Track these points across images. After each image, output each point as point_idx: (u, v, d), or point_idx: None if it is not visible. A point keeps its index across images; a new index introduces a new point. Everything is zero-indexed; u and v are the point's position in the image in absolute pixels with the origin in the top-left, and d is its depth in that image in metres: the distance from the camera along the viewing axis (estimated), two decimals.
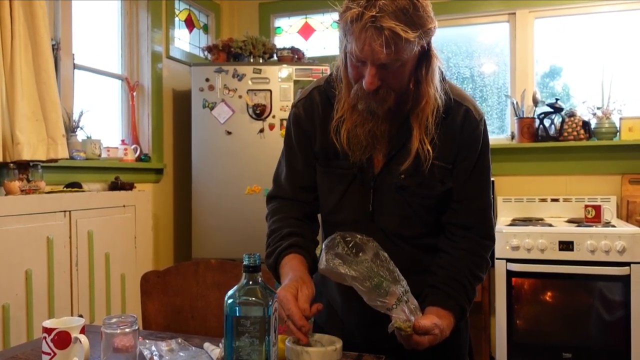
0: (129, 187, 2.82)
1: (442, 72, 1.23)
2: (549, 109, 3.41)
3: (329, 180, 1.32)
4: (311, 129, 1.31)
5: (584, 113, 3.38)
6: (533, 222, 3.16)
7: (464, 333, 1.38)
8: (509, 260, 2.89)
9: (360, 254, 1.13)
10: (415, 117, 1.19)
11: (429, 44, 1.14)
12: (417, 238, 1.29)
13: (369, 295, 1.09)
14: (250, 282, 1.00)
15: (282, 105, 3.26)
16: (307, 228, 1.34)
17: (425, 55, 1.15)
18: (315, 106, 1.31)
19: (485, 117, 1.30)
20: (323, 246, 1.17)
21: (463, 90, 1.31)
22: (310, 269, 1.24)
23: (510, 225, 3.05)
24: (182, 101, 3.54)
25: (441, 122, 1.21)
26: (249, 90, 3.26)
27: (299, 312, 1.06)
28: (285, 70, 3.27)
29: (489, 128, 1.32)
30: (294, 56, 3.46)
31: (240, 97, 3.26)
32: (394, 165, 1.22)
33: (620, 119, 3.26)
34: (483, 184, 1.29)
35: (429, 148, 1.19)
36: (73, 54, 2.76)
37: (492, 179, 1.34)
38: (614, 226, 2.89)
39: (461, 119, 1.23)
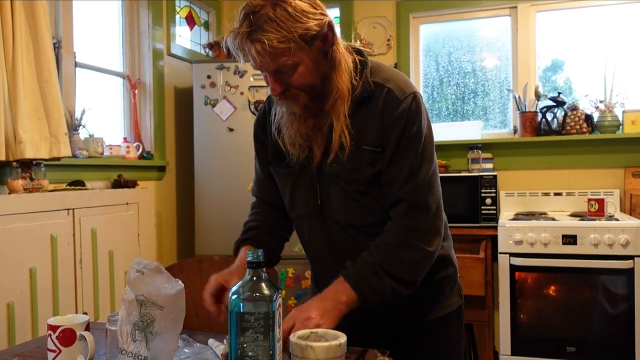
0: (131, 184, 2.82)
1: (361, 60, 1.27)
2: (551, 103, 3.40)
3: (280, 180, 1.41)
4: (264, 136, 1.42)
5: (586, 106, 3.37)
6: (536, 216, 3.16)
7: (454, 345, 1.42)
8: (512, 254, 2.89)
9: None
10: (332, 110, 1.24)
11: (324, 39, 1.18)
12: (372, 227, 1.28)
13: None
14: (254, 278, 1.00)
15: None
16: (273, 224, 1.46)
17: (324, 51, 1.20)
18: (267, 114, 1.41)
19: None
20: None
21: (392, 71, 1.29)
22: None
23: (513, 219, 3.04)
24: (184, 98, 3.54)
25: (365, 107, 1.24)
26: (250, 86, 3.26)
27: (209, 299, 1.29)
28: None
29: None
30: None
31: (241, 93, 3.26)
32: (328, 157, 1.27)
33: (623, 112, 3.25)
34: (408, 157, 1.22)
35: (346, 137, 1.23)
36: (74, 52, 2.76)
37: (432, 149, 1.27)
38: (617, 219, 2.89)
39: (383, 101, 1.23)
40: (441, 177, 1.34)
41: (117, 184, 2.79)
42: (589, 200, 3.07)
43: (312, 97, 1.22)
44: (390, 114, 1.22)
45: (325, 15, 1.18)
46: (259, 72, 1.24)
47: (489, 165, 3.40)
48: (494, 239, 3.02)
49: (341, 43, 1.25)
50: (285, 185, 1.38)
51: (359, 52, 1.29)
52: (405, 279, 1.21)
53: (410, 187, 1.22)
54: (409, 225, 1.22)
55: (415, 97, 1.24)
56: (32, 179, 2.24)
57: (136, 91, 3.24)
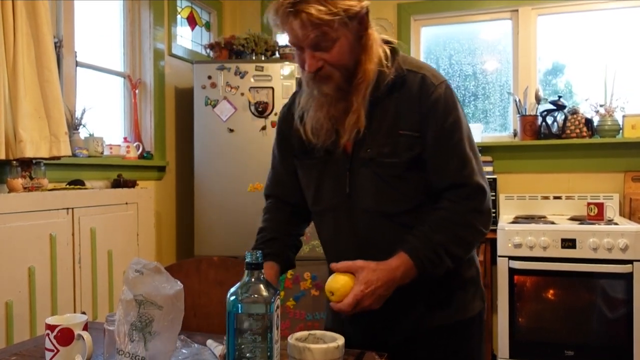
0: (131, 184, 2.82)
1: (393, 48, 1.29)
2: (551, 107, 3.40)
3: (304, 173, 1.39)
4: (288, 130, 1.41)
5: (586, 110, 3.37)
6: (535, 219, 3.16)
7: (475, 351, 1.38)
8: (511, 257, 2.89)
9: None
10: (355, 92, 1.24)
11: (361, 21, 1.21)
12: (404, 215, 1.27)
13: None
14: (253, 279, 1.00)
15: (284, 102, 3.24)
16: (289, 230, 1.45)
17: (359, 35, 1.22)
18: (293, 107, 1.40)
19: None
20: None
21: (421, 61, 1.35)
22: (281, 270, 1.39)
23: (513, 222, 3.04)
24: (184, 99, 3.55)
25: (399, 92, 1.25)
26: (251, 87, 3.26)
27: None
28: (287, 68, 3.27)
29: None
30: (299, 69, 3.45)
31: (242, 94, 3.26)
32: (361, 141, 1.27)
33: (623, 116, 3.25)
34: (455, 144, 1.25)
35: (388, 116, 1.24)
36: (75, 52, 2.76)
37: (472, 137, 1.30)
38: (616, 224, 2.89)
39: (417, 87, 1.25)
40: None
41: (117, 184, 2.79)
42: (589, 204, 3.07)
43: (345, 79, 1.22)
44: (427, 99, 1.24)
45: None
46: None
47: (489, 169, 3.40)
48: (493, 242, 3.02)
49: (375, 31, 1.26)
50: (311, 178, 1.37)
51: (388, 43, 1.31)
52: (459, 257, 1.26)
53: (468, 172, 1.24)
54: (471, 206, 1.25)
55: (448, 85, 1.28)
56: (31, 178, 2.24)
57: (137, 91, 3.25)
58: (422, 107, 1.24)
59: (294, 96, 1.44)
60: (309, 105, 1.29)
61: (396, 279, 1.19)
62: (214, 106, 3.27)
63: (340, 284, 1.18)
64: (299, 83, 1.37)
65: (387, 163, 1.25)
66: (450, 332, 1.32)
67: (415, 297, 1.29)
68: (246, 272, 1.01)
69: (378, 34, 1.28)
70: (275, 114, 3.25)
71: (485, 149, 3.44)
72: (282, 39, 4.04)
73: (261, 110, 3.25)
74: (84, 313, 2.28)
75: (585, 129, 3.29)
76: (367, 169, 1.27)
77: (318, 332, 1.13)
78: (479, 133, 3.51)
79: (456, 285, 1.34)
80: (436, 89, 1.25)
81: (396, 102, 1.25)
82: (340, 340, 1.08)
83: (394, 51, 1.29)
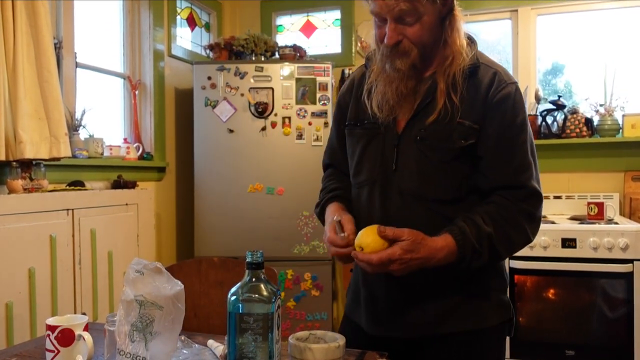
0: (131, 185, 2.82)
1: (471, 38, 1.30)
2: (551, 106, 3.41)
3: (351, 141, 1.39)
4: (347, 102, 1.41)
5: (586, 110, 3.37)
6: None
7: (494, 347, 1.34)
8: (511, 257, 2.89)
9: None
10: (442, 74, 1.24)
11: (445, 3, 1.22)
12: (438, 204, 1.25)
13: None
14: (253, 280, 1.00)
15: (284, 103, 3.26)
16: (347, 183, 1.43)
17: (449, 15, 1.24)
18: (354, 80, 1.42)
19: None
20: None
21: (495, 61, 1.33)
22: (349, 210, 1.37)
23: None
24: (184, 99, 3.55)
25: (468, 82, 1.24)
26: (251, 88, 3.26)
27: (337, 237, 1.22)
28: (287, 68, 3.27)
29: None
30: (296, 54, 3.46)
31: (242, 95, 3.26)
32: (417, 121, 1.26)
33: (623, 115, 3.25)
34: (520, 145, 1.24)
35: (456, 102, 1.22)
36: (75, 53, 2.76)
37: (534, 143, 1.29)
38: (616, 223, 2.89)
39: (489, 80, 1.24)
40: None
41: (117, 185, 2.79)
42: (589, 203, 3.07)
43: (421, 57, 1.22)
44: (496, 95, 1.23)
45: None
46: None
47: None
48: None
49: (461, 19, 1.27)
50: (356, 147, 1.36)
51: (468, 37, 1.31)
52: (498, 256, 1.24)
53: (528, 176, 1.23)
54: (526, 210, 1.23)
55: (518, 87, 1.27)
56: (31, 179, 2.24)
57: (136, 92, 3.25)
58: (489, 102, 1.23)
59: (358, 71, 1.44)
60: (379, 80, 1.28)
61: (435, 259, 1.17)
62: (214, 107, 3.27)
63: (372, 238, 1.16)
64: (368, 57, 1.38)
65: (438, 146, 1.23)
66: (463, 340, 1.27)
67: (436, 294, 1.27)
68: (247, 272, 1.01)
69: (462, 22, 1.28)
70: (275, 115, 3.26)
71: None
72: (282, 39, 4.04)
73: (261, 110, 3.25)
74: (84, 314, 2.28)
75: (585, 128, 3.29)
76: (416, 149, 1.25)
77: (319, 332, 1.13)
78: None
79: (478, 292, 1.29)
80: (507, 86, 1.24)
81: (464, 90, 1.24)
82: (341, 340, 1.08)
83: (472, 42, 1.29)
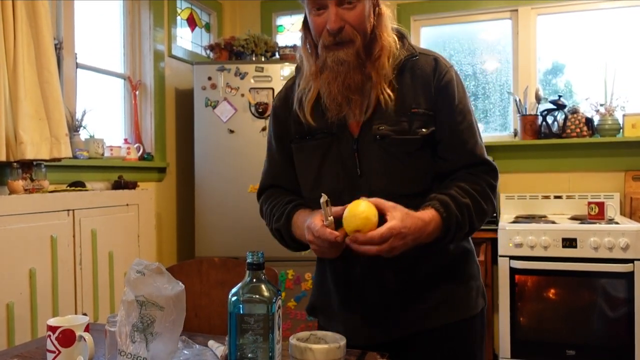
0: (132, 185, 2.82)
1: (400, 32, 1.30)
2: (551, 106, 3.40)
3: (303, 157, 1.33)
4: (285, 116, 1.36)
5: (586, 110, 3.37)
6: (536, 219, 3.16)
7: (478, 350, 1.35)
8: (512, 257, 2.89)
9: None
10: (372, 67, 1.23)
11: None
12: (411, 197, 1.22)
13: None
14: (254, 280, 1.00)
15: None
16: (297, 198, 1.38)
17: (376, 9, 1.25)
18: (289, 92, 1.37)
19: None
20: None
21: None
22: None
23: (514, 222, 3.04)
24: (185, 100, 3.55)
25: (411, 71, 1.26)
26: (251, 88, 3.26)
27: (324, 229, 1.12)
28: (287, 69, 3.27)
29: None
30: (296, 54, 3.45)
31: (242, 95, 3.26)
32: (372, 120, 1.25)
33: (623, 115, 3.25)
34: (470, 125, 1.28)
35: (389, 92, 1.23)
36: (75, 53, 2.76)
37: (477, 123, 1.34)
38: (617, 223, 2.89)
39: (431, 67, 1.26)
40: None
41: (118, 185, 2.79)
42: (589, 203, 3.07)
43: (364, 47, 1.22)
44: (441, 79, 1.25)
45: None
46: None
47: None
48: (494, 242, 3.02)
49: (387, 15, 1.27)
50: (310, 160, 1.31)
51: (397, 30, 1.31)
52: (473, 229, 1.25)
53: (483, 151, 1.29)
54: (489, 181, 1.27)
55: (456, 70, 1.31)
56: (32, 180, 2.24)
57: (137, 92, 3.25)
58: (437, 86, 1.25)
59: (290, 81, 1.41)
60: (316, 82, 1.26)
61: (425, 233, 1.16)
62: (214, 107, 3.27)
63: (365, 215, 1.09)
64: (297, 68, 1.36)
65: (400, 140, 1.22)
66: (454, 330, 1.30)
67: (422, 290, 1.27)
68: (247, 272, 1.01)
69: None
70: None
71: (486, 148, 3.42)
72: (282, 39, 4.04)
73: (261, 111, 3.25)
74: (85, 314, 2.28)
75: (585, 128, 3.29)
76: (378, 148, 1.24)
77: (319, 333, 1.13)
78: None
79: (460, 280, 1.32)
80: (449, 70, 1.27)
81: (409, 81, 1.25)
82: (342, 340, 1.08)
83: (403, 35, 1.31)
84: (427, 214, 1.17)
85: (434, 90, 1.25)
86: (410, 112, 1.23)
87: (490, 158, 1.30)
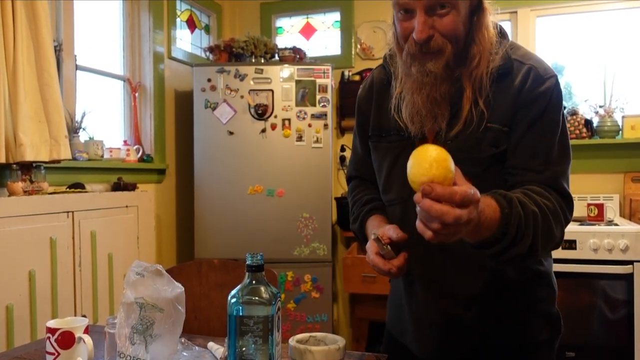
0: (131, 187, 2.82)
1: (501, 32, 1.16)
2: None
3: (377, 155, 1.26)
4: (368, 109, 1.29)
5: (586, 111, 3.37)
6: None
7: None
8: None
9: None
10: (468, 77, 1.10)
11: None
12: None
13: None
14: (254, 282, 1.00)
15: (283, 105, 3.26)
16: (378, 194, 1.33)
17: (477, 10, 1.11)
18: (373, 85, 1.29)
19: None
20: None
21: (530, 52, 1.18)
22: (390, 223, 1.20)
23: None
24: (184, 101, 3.55)
25: (497, 83, 1.10)
26: (250, 90, 3.26)
27: (377, 259, 1.07)
28: (286, 70, 3.27)
29: None
30: (296, 56, 3.46)
31: (242, 97, 3.27)
32: (445, 131, 1.12)
33: (623, 117, 3.25)
34: (545, 145, 1.08)
35: (483, 109, 1.09)
36: (75, 55, 2.76)
37: (569, 144, 1.13)
38: (616, 224, 2.89)
39: (522, 78, 1.10)
40: None
41: (117, 187, 2.79)
42: (589, 205, 3.07)
43: (455, 56, 1.08)
44: (531, 91, 1.09)
45: None
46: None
47: None
48: None
49: (490, 12, 1.13)
50: (383, 162, 1.23)
51: (498, 27, 1.18)
52: (535, 249, 1.01)
53: (557, 175, 1.09)
54: (563, 207, 1.07)
55: (558, 81, 1.13)
56: (32, 182, 2.24)
57: (136, 94, 3.25)
58: (521, 99, 1.09)
59: (376, 70, 1.31)
60: (407, 88, 1.13)
61: (480, 224, 0.91)
62: (214, 109, 3.28)
63: (448, 165, 0.85)
64: (389, 56, 1.24)
65: (468, 159, 1.06)
66: (504, 355, 1.22)
67: (480, 309, 1.18)
68: (247, 274, 1.01)
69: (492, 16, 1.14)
70: (275, 117, 3.26)
71: None
72: (281, 41, 4.04)
73: (261, 112, 3.25)
74: (84, 316, 2.28)
75: (584, 129, 3.29)
76: None
77: (319, 334, 1.13)
78: None
79: (524, 304, 1.22)
80: (545, 82, 1.10)
81: (495, 93, 1.10)
82: (341, 342, 1.08)
83: (503, 36, 1.16)
84: (487, 200, 0.95)
85: (518, 102, 1.09)
86: (485, 127, 1.09)
87: (570, 191, 1.09)
